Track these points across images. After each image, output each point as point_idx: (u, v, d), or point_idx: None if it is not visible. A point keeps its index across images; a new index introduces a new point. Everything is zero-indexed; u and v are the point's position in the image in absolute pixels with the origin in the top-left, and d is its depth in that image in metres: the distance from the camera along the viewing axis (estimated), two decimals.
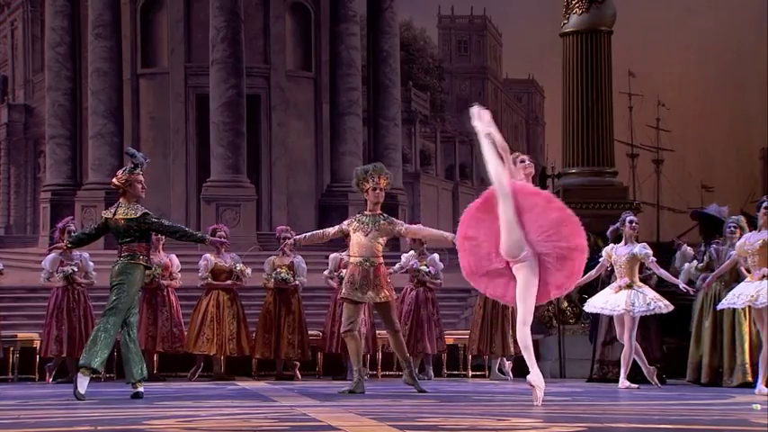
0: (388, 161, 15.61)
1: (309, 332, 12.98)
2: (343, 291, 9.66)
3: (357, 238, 9.52)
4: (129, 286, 8.59)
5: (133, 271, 8.62)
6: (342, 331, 9.70)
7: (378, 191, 9.52)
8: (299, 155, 16.53)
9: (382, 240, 9.56)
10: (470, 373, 13.46)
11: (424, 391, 9.31)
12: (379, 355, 13.32)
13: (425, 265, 12.77)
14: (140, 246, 8.69)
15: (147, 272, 9.21)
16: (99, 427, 5.97)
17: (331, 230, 9.71)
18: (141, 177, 8.78)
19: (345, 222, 9.74)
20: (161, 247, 12.54)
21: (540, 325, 13.95)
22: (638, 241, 10.85)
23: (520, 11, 16.35)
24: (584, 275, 10.17)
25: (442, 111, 17.41)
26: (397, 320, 9.89)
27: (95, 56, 16.07)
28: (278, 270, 12.62)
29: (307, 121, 16.67)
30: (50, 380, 12.33)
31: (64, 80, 16.06)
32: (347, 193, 15.94)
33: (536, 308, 14.94)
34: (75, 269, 12.19)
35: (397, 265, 12.59)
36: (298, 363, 12.87)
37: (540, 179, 14.12)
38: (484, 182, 17.63)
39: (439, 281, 12.94)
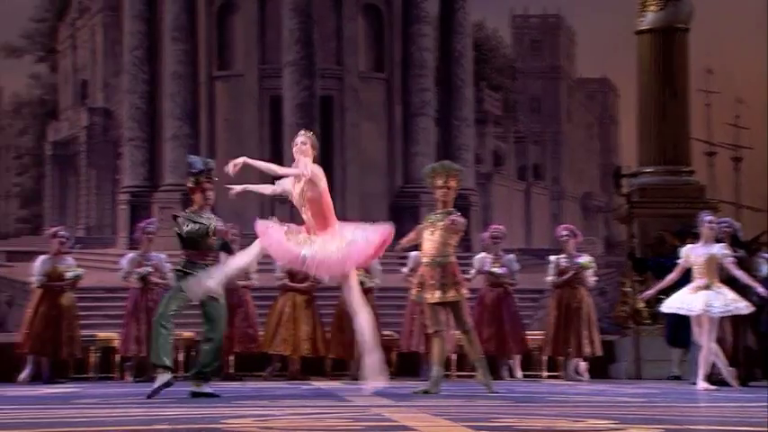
0: (459, 162, 15.54)
1: (383, 332, 13.01)
2: (414, 292, 9.67)
3: (427, 237, 9.50)
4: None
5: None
6: (429, 332, 9.69)
7: (444, 189, 9.47)
8: (372, 156, 16.59)
9: (452, 239, 9.49)
10: (545, 373, 13.39)
11: (497, 392, 9.28)
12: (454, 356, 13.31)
13: (498, 266, 12.73)
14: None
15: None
16: (177, 426, 6.05)
17: (410, 235, 9.71)
18: (207, 185, 8.80)
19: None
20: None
21: (616, 326, 13.82)
22: (724, 242, 10.67)
23: (594, 9, 16.22)
24: (662, 278, 10.11)
25: (515, 111, 17.34)
26: (469, 320, 9.85)
27: (172, 59, 16.28)
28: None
29: (379, 122, 16.72)
30: (130, 378, 12.52)
31: (141, 83, 16.30)
32: (419, 194, 15.95)
33: (611, 308, 14.84)
34: (151, 270, 12.35)
35: (473, 271, 12.58)
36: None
37: (615, 179, 13.99)
38: (557, 181, 17.56)
39: (514, 281, 12.89)
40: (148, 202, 15.98)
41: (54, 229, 12.91)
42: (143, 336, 12.30)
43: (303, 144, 8.26)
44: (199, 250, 8.72)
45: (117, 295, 13.50)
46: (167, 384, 8.45)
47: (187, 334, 13.31)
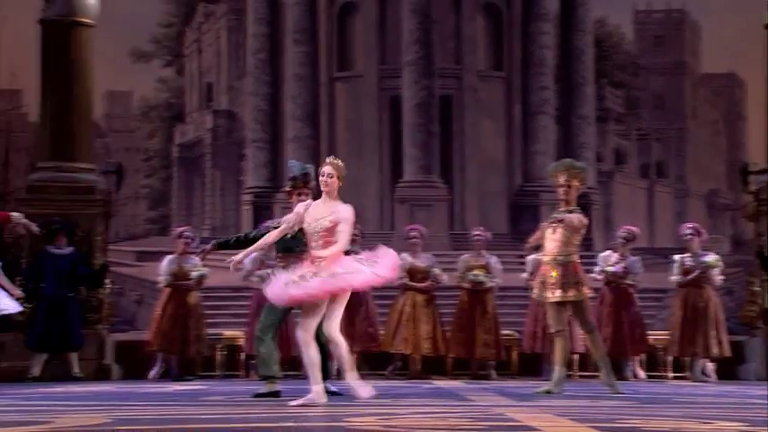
0: (580, 160, 15.42)
1: (503, 332, 12.96)
2: (535, 291, 9.60)
3: (549, 236, 9.43)
4: None
5: None
6: (551, 332, 9.63)
7: (565, 187, 9.37)
8: (491, 155, 16.53)
9: (574, 238, 9.39)
10: (670, 374, 13.16)
11: (622, 393, 9.16)
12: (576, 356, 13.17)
13: (615, 265, 12.56)
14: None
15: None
16: (301, 424, 6.13)
17: (536, 234, 9.65)
18: (303, 190, 8.77)
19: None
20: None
21: (744, 326, 13.51)
22: None
23: (720, 3, 15.87)
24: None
25: (637, 108, 17.07)
26: (592, 319, 9.74)
27: (293, 61, 16.50)
28: (475, 273, 12.64)
29: (498, 120, 16.65)
30: (255, 377, 12.70)
31: (264, 85, 16.55)
32: (539, 193, 15.83)
33: (738, 308, 14.50)
34: (270, 272, 12.51)
35: (597, 268, 12.46)
36: (493, 362, 12.87)
37: (742, 176, 13.67)
38: (681, 179, 17.20)
39: (635, 283, 12.71)
40: (270, 203, 16.20)
41: (179, 229, 13.18)
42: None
43: (329, 177, 7.61)
44: (293, 255, 8.73)
45: (242, 294, 13.71)
46: (274, 394, 8.52)
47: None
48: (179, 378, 12.31)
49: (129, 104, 16.22)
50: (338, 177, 7.62)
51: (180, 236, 12.86)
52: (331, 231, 7.48)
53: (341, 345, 7.54)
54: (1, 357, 12.50)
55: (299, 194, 8.70)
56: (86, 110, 13.96)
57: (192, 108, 16.63)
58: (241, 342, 13.15)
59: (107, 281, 13.31)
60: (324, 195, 7.64)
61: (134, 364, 13.30)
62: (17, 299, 10.27)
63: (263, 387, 8.66)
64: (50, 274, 12.60)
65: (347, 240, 7.55)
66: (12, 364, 12.57)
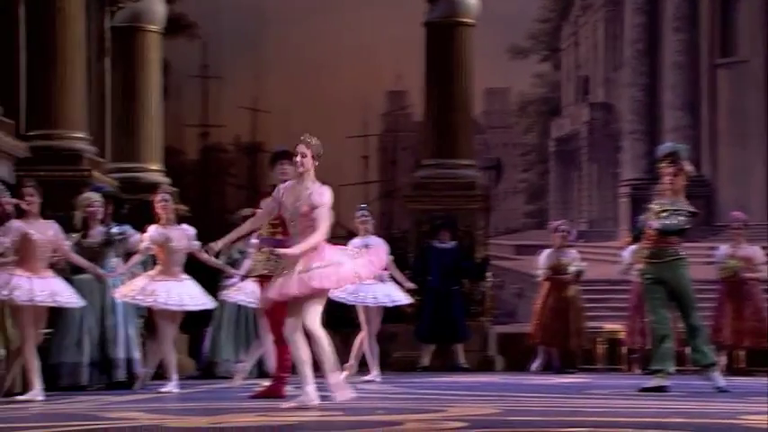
0: None
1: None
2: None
3: None
4: None
5: None
6: None
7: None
8: None
9: None
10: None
11: None
12: None
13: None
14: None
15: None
16: (694, 420, 5.99)
17: None
18: (665, 170, 8.52)
19: None
20: (742, 240, 12.32)
21: None
22: None
23: None
24: None
25: None
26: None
27: (672, 49, 16.12)
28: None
29: None
30: (638, 371, 12.55)
31: (641, 76, 16.29)
32: None
33: None
34: None
35: None
36: None
37: None
38: None
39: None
40: (649, 195, 15.87)
41: (556, 223, 13.29)
42: (648, 328, 12.28)
43: (303, 157, 6.91)
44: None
45: (620, 287, 13.58)
46: (661, 389, 8.33)
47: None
48: (561, 371, 12.39)
49: (506, 100, 16.49)
50: (313, 156, 6.92)
51: (556, 229, 12.97)
52: (307, 216, 6.82)
53: (321, 339, 6.83)
54: (393, 347, 13.13)
55: (661, 176, 8.52)
56: (467, 108, 14.38)
57: (568, 102, 16.65)
58: (621, 336, 13.04)
59: (488, 274, 13.63)
60: (299, 177, 6.94)
61: (516, 355, 13.54)
62: (407, 291, 10.75)
63: (652, 380, 8.51)
64: (435, 267, 13.09)
65: (326, 227, 6.82)
66: (403, 354, 13.18)
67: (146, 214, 9.43)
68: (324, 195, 6.85)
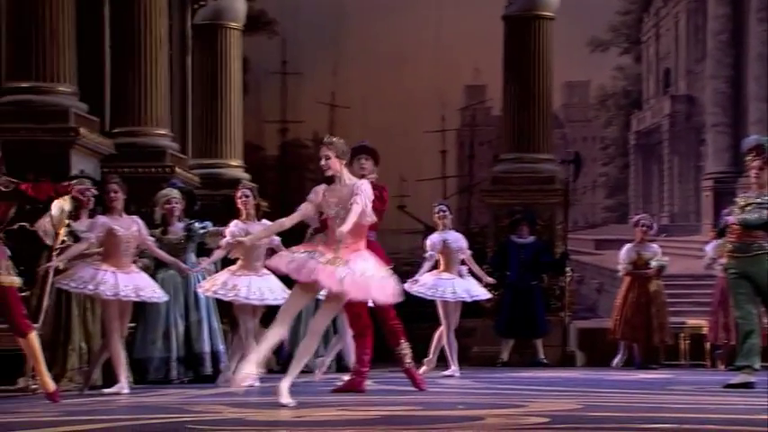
0: None
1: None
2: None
3: None
4: None
5: None
6: None
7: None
8: None
9: None
10: None
11: None
12: None
13: None
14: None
15: None
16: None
17: None
18: (750, 164, 8.36)
19: None
20: None
21: None
22: None
23: None
24: None
25: None
26: None
27: (757, 40, 15.85)
28: None
29: None
30: (722, 367, 12.37)
31: (725, 67, 16.03)
32: None
33: None
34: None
35: None
36: None
37: None
38: None
39: None
40: (732, 188, 15.65)
41: (637, 217, 13.16)
42: (731, 324, 12.10)
43: (327, 159, 6.77)
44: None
45: (704, 282, 13.40)
46: (746, 385, 8.18)
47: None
48: (643, 366, 12.26)
49: (585, 94, 16.35)
50: (337, 156, 6.77)
51: (637, 224, 12.84)
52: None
53: (315, 339, 6.89)
54: (472, 342, 13.12)
55: (747, 169, 8.39)
56: (546, 101, 14.29)
57: (649, 95, 16.46)
58: (705, 331, 12.87)
59: (568, 269, 13.54)
60: (335, 180, 6.81)
61: (596, 351, 13.44)
62: (486, 286, 10.73)
63: (737, 377, 8.37)
64: (514, 262, 13.04)
65: (359, 209, 6.64)
66: (482, 348, 13.17)
67: (228, 209, 9.53)
68: (360, 188, 6.75)
